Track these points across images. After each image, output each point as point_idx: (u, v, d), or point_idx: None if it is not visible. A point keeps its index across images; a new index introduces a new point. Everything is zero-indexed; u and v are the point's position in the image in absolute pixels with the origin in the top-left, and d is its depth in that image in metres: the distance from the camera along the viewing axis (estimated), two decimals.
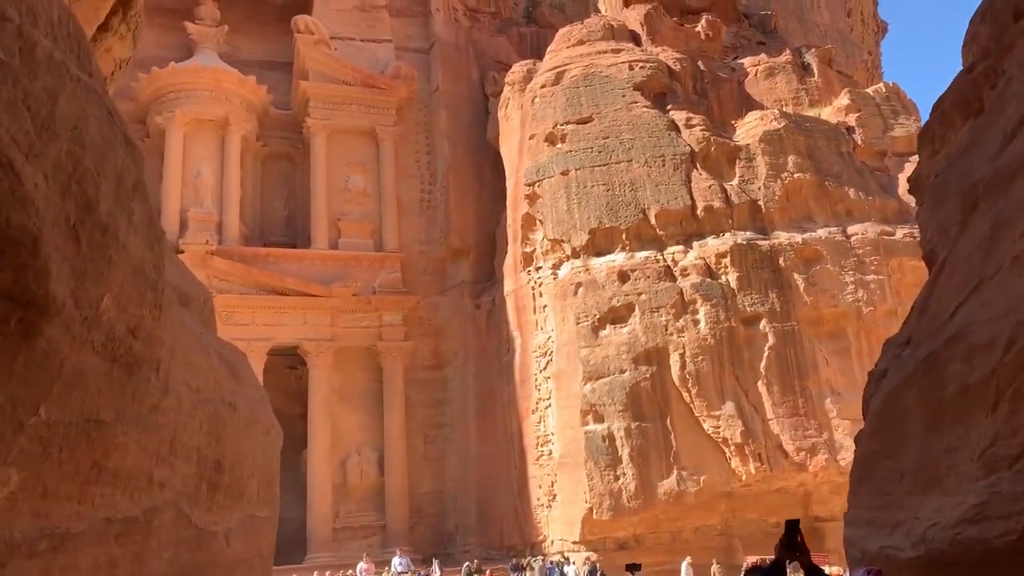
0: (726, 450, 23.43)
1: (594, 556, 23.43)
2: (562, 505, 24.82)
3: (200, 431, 3.98)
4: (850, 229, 25.97)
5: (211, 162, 31.57)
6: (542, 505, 25.84)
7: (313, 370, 29.76)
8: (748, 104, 29.95)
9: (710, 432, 23.52)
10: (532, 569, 22.61)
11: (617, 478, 23.26)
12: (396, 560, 25.04)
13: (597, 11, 36.75)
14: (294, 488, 29.56)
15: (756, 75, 31.22)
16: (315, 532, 28.44)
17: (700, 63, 30.54)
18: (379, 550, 28.27)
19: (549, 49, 31.25)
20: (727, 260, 24.71)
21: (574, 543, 24.37)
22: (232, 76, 32.04)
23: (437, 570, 24.35)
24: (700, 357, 23.73)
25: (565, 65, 29.11)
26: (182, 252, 28.91)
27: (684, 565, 21.83)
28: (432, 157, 34.65)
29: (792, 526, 5.13)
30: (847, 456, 23.42)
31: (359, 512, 29.79)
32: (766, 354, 23.98)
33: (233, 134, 31.90)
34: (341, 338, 30.43)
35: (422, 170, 34.43)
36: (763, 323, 24.29)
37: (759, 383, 23.82)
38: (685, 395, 23.66)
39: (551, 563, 23.08)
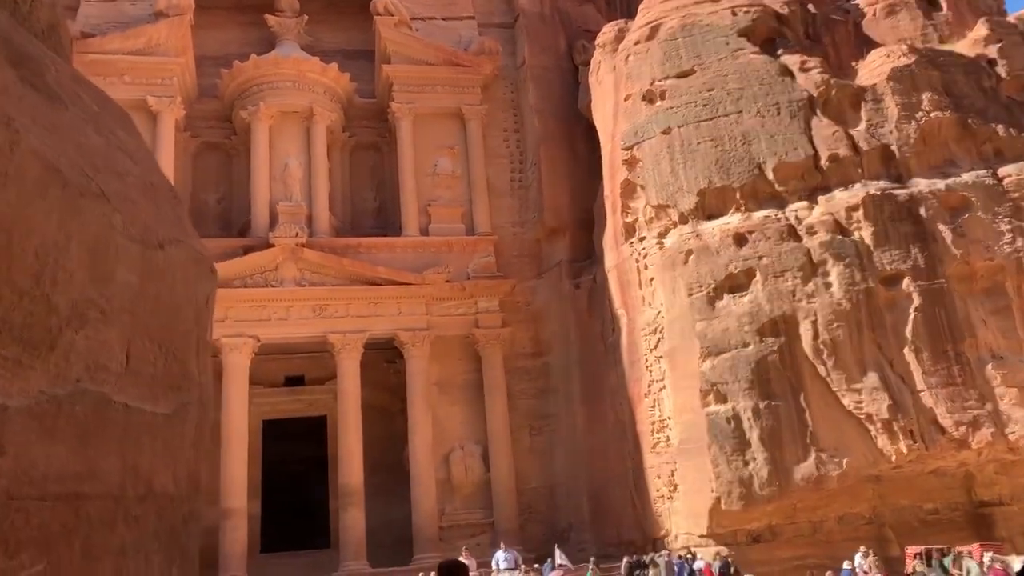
0: (871, 428, 20.65)
1: (724, 551, 21.04)
2: (685, 496, 22.54)
3: None
4: (1001, 171, 22.67)
5: (298, 155, 30.78)
6: (662, 497, 23.60)
7: (410, 361, 28.44)
8: (868, 46, 26.84)
9: (851, 408, 20.79)
10: (656, 566, 20.40)
11: (746, 463, 20.83)
12: (500, 554, 23.04)
13: None
14: (399, 486, 28.33)
15: (875, 14, 28.03)
16: (421, 531, 27.08)
17: (810, 5, 27.65)
18: (489, 549, 26.64)
19: (641, 6, 28.98)
20: (859, 214, 21.88)
21: (700, 537, 22.05)
22: (314, 65, 31.19)
23: (560, 557, 22.37)
24: (835, 324, 21.02)
25: (660, 19, 26.81)
26: (272, 246, 28.23)
27: (858, 557, 19.47)
28: (521, 135, 32.88)
29: None
30: (1016, 429, 20.28)
31: (465, 510, 28.26)
32: (912, 317, 21.05)
33: (318, 124, 31.03)
34: (437, 327, 29.02)
35: (511, 149, 32.70)
36: (906, 282, 21.36)
37: (905, 350, 20.92)
38: (820, 368, 21.00)
39: (679, 558, 20.82)
